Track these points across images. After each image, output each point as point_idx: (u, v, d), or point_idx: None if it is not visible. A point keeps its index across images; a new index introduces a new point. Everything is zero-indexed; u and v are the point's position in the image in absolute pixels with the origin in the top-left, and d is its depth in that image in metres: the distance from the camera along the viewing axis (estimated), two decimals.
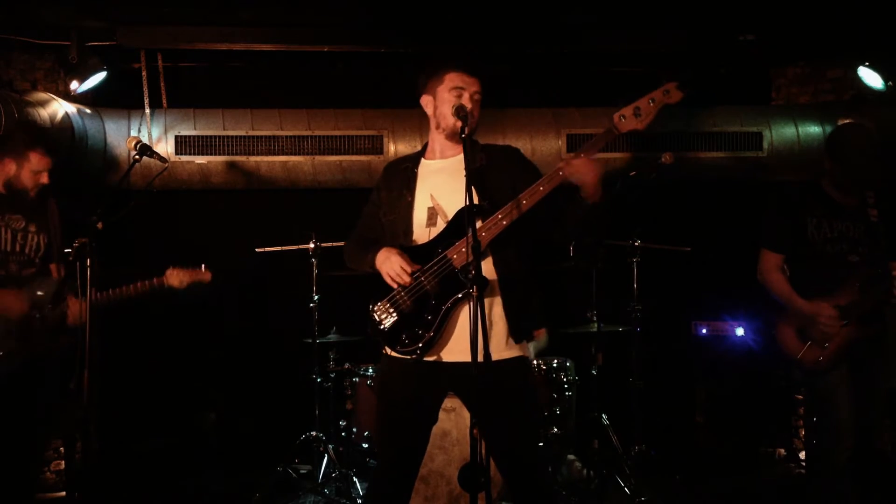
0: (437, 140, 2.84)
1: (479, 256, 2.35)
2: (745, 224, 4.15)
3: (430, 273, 2.66)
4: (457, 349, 2.62)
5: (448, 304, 2.62)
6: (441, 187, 2.74)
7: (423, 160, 2.86)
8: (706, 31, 4.86)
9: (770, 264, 3.52)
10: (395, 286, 2.68)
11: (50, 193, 3.51)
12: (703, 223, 5.24)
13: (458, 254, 2.61)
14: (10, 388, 3.22)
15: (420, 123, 4.86)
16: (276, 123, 4.84)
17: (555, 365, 4.31)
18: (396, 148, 4.85)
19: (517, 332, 2.70)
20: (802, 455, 4.93)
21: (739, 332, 4.96)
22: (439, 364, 2.67)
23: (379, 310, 2.73)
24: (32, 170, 3.36)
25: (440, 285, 2.64)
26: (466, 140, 2.57)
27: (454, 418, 3.79)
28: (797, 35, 4.92)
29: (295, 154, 4.83)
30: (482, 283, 2.36)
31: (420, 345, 2.63)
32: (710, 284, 5.17)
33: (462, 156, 2.60)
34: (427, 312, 2.65)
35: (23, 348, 3.24)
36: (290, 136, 4.82)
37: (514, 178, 2.71)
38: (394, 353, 2.72)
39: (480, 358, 2.26)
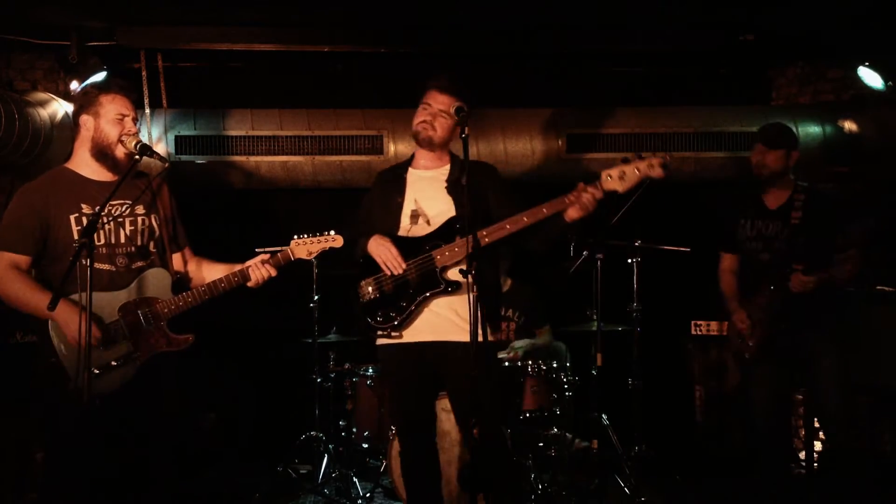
0: (419, 151, 3.25)
1: (471, 258, 2.68)
2: None
3: (414, 265, 3.05)
4: (427, 331, 3.06)
5: (423, 296, 3.04)
6: (423, 192, 3.18)
7: (410, 168, 3.27)
8: (706, 31, 4.86)
9: (722, 265, 3.93)
10: (384, 269, 3.04)
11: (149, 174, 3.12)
12: (703, 223, 5.22)
13: (442, 255, 3.02)
14: (128, 394, 2.88)
15: None
16: (276, 123, 4.84)
17: (554, 365, 4.30)
18: (396, 148, 4.84)
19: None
20: (802, 455, 4.93)
21: None
22: (419, 344, 3.07)
23: (365, 285, 3.14)
24: (109, 117, 2.91)
25: (420, 278, 3.05)
26: (465, 140, 2.83)
27: (454, 419, 3.78)
28: (797, 35, 4.92)
29: (295, 154, 4.83)
30: (479, 280, 2.67)
31: (392, 324, 3.06)
32: (710, 284, 5.16)
33: (447, 167, 3.19)
34: (403, 299, 3.07)
35: (138, 351, 2.90)
36: (290, 136, 4.82)
37: (487, 192, 3.11)
38: (379, 335, 3.12)
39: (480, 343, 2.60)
